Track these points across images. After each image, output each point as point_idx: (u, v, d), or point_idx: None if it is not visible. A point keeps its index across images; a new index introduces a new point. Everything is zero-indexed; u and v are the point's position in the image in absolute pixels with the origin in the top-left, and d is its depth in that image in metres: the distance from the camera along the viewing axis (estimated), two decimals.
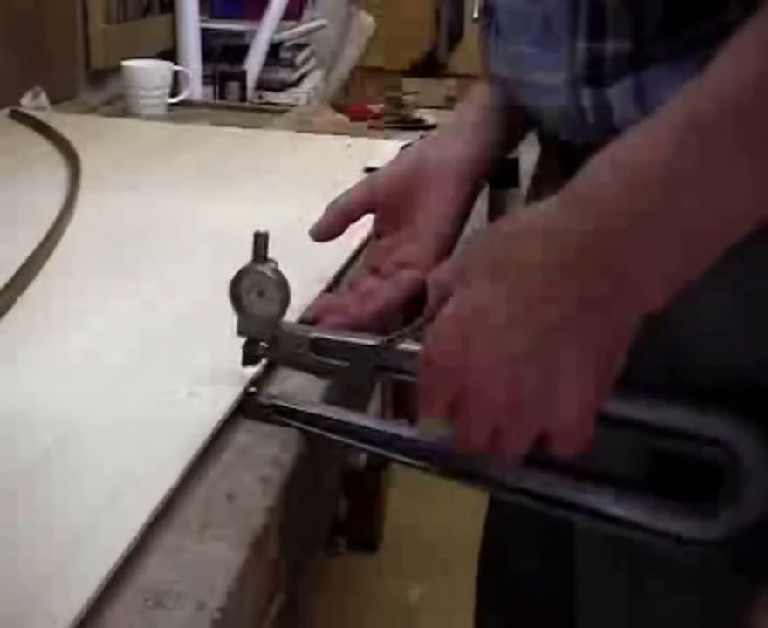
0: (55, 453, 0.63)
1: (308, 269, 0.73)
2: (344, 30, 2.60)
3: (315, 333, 0.72)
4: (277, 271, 0.71)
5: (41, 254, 0.97)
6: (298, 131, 1.75)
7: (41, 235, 1.00)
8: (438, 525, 2.29)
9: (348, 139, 1.60)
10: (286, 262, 0.71)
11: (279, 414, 0.69)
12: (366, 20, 2.57)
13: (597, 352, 0.56)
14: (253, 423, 0.69)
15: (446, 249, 0.82)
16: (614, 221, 0.54)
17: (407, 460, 0.68)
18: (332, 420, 0.69)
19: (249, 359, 0.73)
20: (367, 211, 0.84)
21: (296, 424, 0.69)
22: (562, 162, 0.73)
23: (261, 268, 0.70)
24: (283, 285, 0.71)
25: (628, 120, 0.63)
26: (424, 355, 0.60)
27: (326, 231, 0.83)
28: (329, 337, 0.72)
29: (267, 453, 0.65)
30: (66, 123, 1.56)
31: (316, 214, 0.84)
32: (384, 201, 0.83)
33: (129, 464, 0.62)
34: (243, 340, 0.73)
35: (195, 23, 2.19)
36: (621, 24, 0.62)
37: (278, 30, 2.31)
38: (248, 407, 0.70)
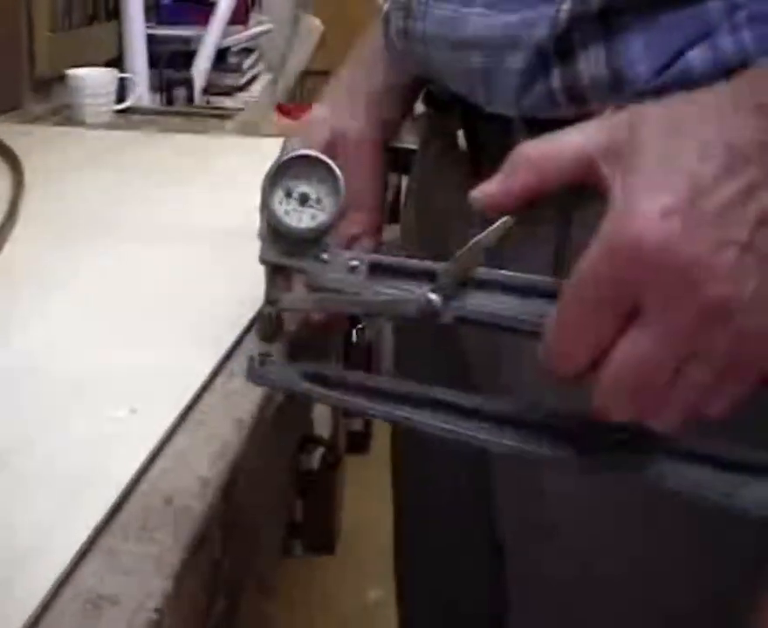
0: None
1: (258, 273, 0.73)
2: (291, 34, 2.61)
3: (371, 255, 0.56)
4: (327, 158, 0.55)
5: None
6: (245, 135, 1.76)
7: None
8: None
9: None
10: (233, 267, 0.70)
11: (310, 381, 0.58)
12: (314, 23, 2.57)
13: None
14: (193, 424, 0.70)
15: (384, 216, 0.83)
16: None
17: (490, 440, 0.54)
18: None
19: (272, 291, 0.58)
20: None
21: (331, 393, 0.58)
22: (472, 149, 0.73)
23: (305, 152, 0.55)
24: (336, 179, 0.55)
25: (598, 85, 0.63)
26: (602, 247, 0.48)
27: None
28: (394, 259, 0.56)
29: (206, 456, 0.66)
30: (10, 132, 1.55)
31: None
32: None
33: (74, 477, 0.62)
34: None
35: (141, 29, 2.18)
36: None
37: (225, 35, 2.31)
38: (259, 372, 0.59)
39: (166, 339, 0.82)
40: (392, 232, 0.93)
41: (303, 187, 0.54)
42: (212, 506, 0.61)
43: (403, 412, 0.56)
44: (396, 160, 0.89)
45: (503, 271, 0.53)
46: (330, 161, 0.54)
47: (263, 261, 0.57)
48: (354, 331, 1.05)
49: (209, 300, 0.90)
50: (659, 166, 0.47)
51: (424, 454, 0.92)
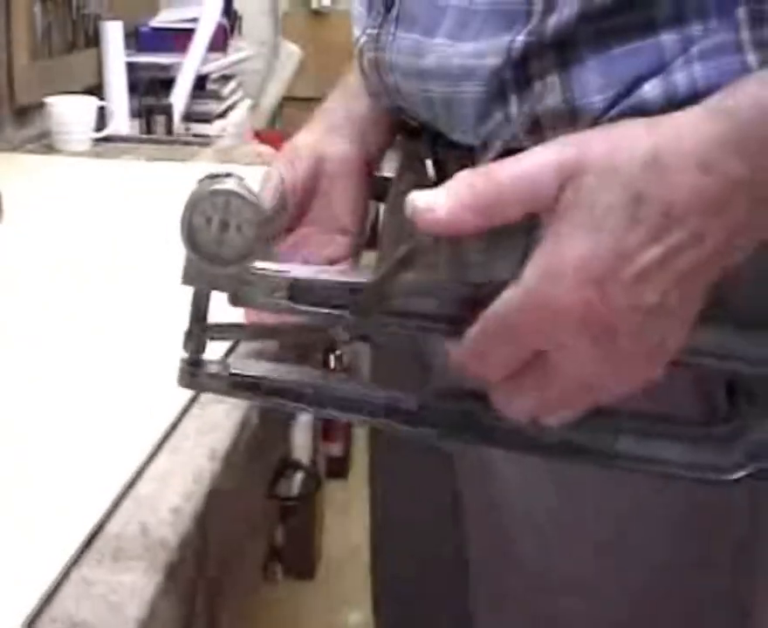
0: None
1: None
2: (270, 61, 2.62)
3: (295, 273, 0.56)
4: (247, 189, 0.54)
5: None
6: (225, 163, 1.76)
7: None
8: None
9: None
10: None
11: (238, 388, 0.59)
12: (293, 50, 2.59)
13: (698, 306, 0.52)
14: (168, 453, 0.70)
15: (366, 242, 0.84)
16: None
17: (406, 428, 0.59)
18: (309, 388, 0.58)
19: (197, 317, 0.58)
20: (281, 214, 0.83)
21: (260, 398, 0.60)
22: (440, 178, 0.74)
23: (224, 184, 0.54)
24: (256, 208, 0.54)
25: (554, 115, 0.64)
26: (525, 294, 0.51)
27: None
28: (315, 277, 0.56)
29: (181, 485, 0.66)
30: None
31: None
32: (291, 200, 0.83)
33: (49, 505, 0.63)
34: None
35: (120, 57, 2.19)
36: (547, 12, 0.63)
37: (204, 62, 2.32)
38: (190, 379, 0.59)
39: (140, 368, 0.82)
40: (370, 259, 0.94)
41: (222, 215, 0.53)
42: (186, 535, 0.62)
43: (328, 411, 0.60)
44: (374, 189, 0.90)
45: (421, 280, 0.55)
46: (243, 191, 0.54)
47: (186, 284, 0.57)
48: (333, 357, 1.05)
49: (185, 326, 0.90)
50: (590, 225, 0.50)
51: (400, 478, 0.93)
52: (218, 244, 0.54)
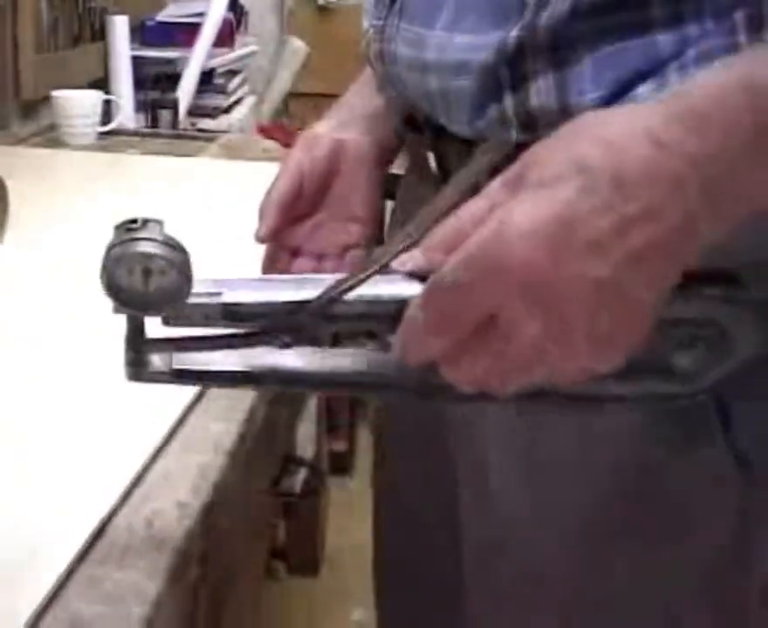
0: None
1: None
2: (276, 56, 2.62)
3: (225, 297, 0.55)
4: (165, 235, 0.54)
5: None
6: (230, 158, 1.76)
7: None
8: None
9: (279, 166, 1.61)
10: None
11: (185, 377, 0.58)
12: (298, 45, 2.58)
13: (662, 292, 0.51)
14: (174, 449, 0.70)
15: (379, 231, 0.84)
16: (740, 147, 0.50)
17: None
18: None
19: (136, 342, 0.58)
20: (297, 199, 0.83)
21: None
22: (442, 173, 0.74)
23: (140, 244, 0.53)
24: (176, 251, 0.53)
25: (548, 113, 0.64)
26: (471, 254, 0.50)
27: (275, 230, 0.82)
28: (247, 301, 0.55)
29: (186, 480, 0.66)
30: None
31: (247, 241, 0.84)
32: (308, 186, 0.83)
33: (56, 502, 0.63)
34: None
35: (126, 51, 2.19)
36: (540, 7, 0.63)
37: (210, 56, 2.32)
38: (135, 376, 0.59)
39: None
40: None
41: (145, 263, 0.53)
42: (191, 530, 0.61)
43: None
44: (385, 185, 0.90)
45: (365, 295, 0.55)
46: (162, 246, 0.53)
47: (118, 313, 0.56)
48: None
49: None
50: (540, 194, 0.50)
51: (403, 473, 0.93)
52: (144, 294, 0.53)
